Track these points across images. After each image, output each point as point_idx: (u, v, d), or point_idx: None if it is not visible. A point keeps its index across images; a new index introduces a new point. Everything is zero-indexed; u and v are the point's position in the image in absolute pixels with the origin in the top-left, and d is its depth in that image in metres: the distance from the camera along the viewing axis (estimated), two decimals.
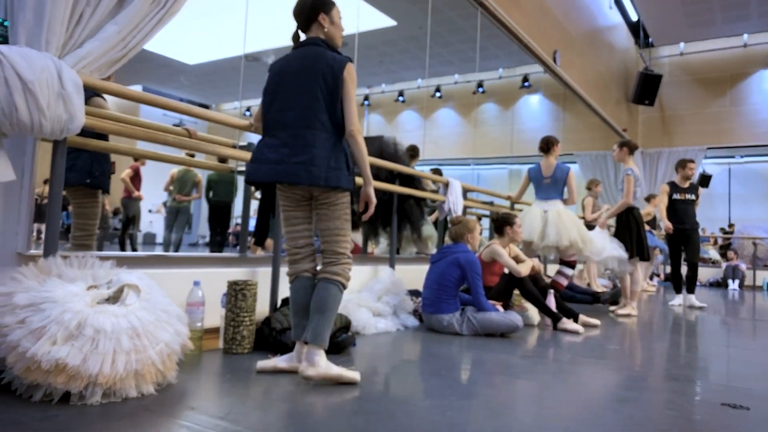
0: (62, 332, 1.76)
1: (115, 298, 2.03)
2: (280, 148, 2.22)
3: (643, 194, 6.48)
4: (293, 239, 2.35)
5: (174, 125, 3.05)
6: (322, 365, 2.16)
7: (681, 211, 6.18)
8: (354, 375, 2.21)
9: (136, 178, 6.95)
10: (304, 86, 2.23)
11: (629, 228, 5.16)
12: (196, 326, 2.48)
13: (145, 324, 1.95)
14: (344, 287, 2.29)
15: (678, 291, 6.41)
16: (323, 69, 2.23)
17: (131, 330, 1.90)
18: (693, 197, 6.21)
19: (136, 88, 3.91)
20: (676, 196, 6.23)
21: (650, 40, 11.99)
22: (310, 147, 2.18)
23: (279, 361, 2.32)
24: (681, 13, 10.54)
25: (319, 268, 2.34)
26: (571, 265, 4.90)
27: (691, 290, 6.28)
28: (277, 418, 1.78)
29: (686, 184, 6.26)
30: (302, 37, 2.37)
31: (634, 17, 11.33)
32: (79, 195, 3.12)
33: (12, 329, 1.75)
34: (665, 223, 6.11)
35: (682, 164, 6.31)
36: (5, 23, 2.04)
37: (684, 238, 6.18)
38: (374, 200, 2.29)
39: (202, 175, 7.11)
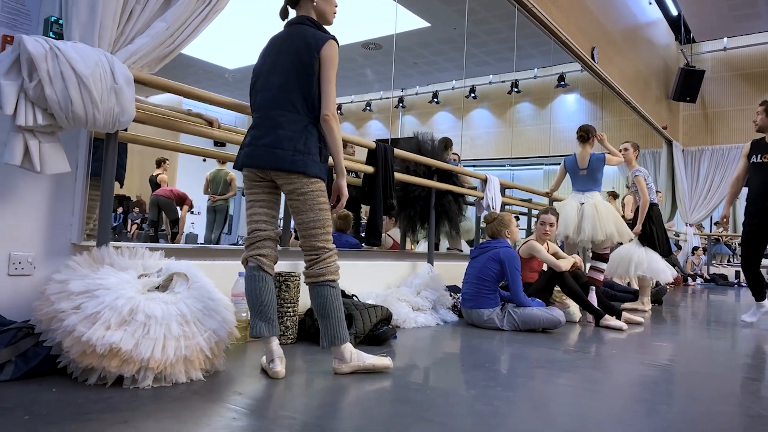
0: (115, 318, 1.81)
1: (164, 287, 2.08)
2: (252, 131, 2.15)
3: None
4: (249, 223, 2.17)
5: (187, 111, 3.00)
6: (353, 358, 2.13)
7: (763, 182, 4.31)
8: (386, 362, 2.18)
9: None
10: (279, 66, 2.11)
11: (651, 226, 5.13)
12: (241, 317, 2.52)
13: (193, 311, 1.99)
14: (335, 282, 2.13)
15: (760, 298, 4.45)
16: (299, 47, 2.09)
17: (180, 317, 1.94)
18: None
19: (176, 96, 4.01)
20: (757, 159, 4.41)
21: (691, 35, 11.66)
22: (277, 129, 2.06)
23: (262, 360, 2.16)
24: (724, 6, 10.22)
25: (303, 267, 2.18)
26: (604, 258, 4.81)
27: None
28: (321, 405, 1.79)
29: None
30: (291, 14, 2.24)
31: (674, 12, 11.04)
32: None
33: (68, 314, 1.81)
34: (725, 210, 4.60)
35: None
36: (60, 21, 2.13)
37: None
38: (346, 193, 2.13)
39: (239, 175, 7.25)
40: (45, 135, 1.95)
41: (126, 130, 2.28)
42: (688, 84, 10.98)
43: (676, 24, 11.44)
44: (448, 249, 5.20)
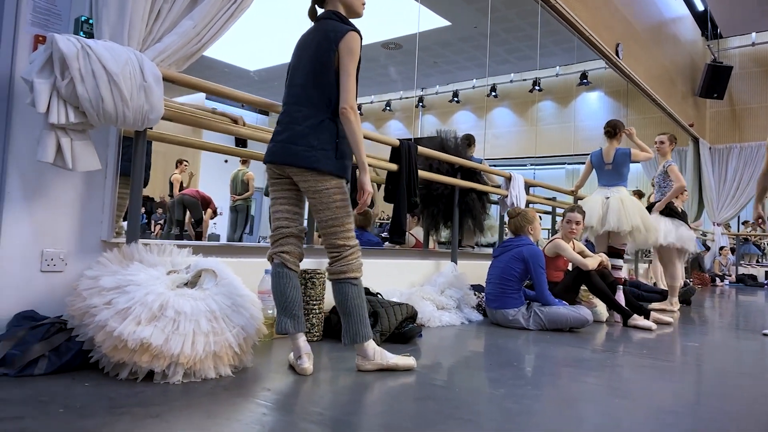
0: (146, 313, 1.83)
1: (193, 283, 2.10)
2: (275, 127, 2.15)
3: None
4: (273, 220, 2.18)
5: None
6: (376, 356, 2.11)
7: None
8: (410, 362, 2.17)
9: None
10: (302, 62, 2.11)
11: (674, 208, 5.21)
12: (267, 314, 2.52)
13: (222, 307, 2.00)
14: (356, 280, 2.10)
15: None
16: (320, 41, 2.06)
17: (209, 313, 1.95)
18: None
19: (199, 96, 4.03)
20: None
21: (718, 30, 11.42)
22: (294, 124, 2.04)
23: (290, 356, 2.17)
24: (752, 0, 9.99)
25: (326, 264, 2.17)
26: (620, 254, 4.73)
27: None
28: (349, 401, 1.78)
29: None
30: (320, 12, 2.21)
31: (700, 7, 10.83)
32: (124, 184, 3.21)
33: (100, 309, 1.83)
34: (758, 210, 3.92)
35: None
36: (90, 21, 2.16)
37: None
38: (370, 189, 2.06)
39: (263, 175, 7.32)
40: (77, 133, 1.97)
41: (152, 128, 2.30)
42: (715, 80, 10.76)
43: (702, 19, 11.22)
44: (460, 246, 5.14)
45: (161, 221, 9.04)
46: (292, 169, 2.05)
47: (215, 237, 8.66)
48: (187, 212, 7.36)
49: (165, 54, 2.19)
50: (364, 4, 2.22)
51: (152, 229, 8.82)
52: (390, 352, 2.17)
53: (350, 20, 2.17)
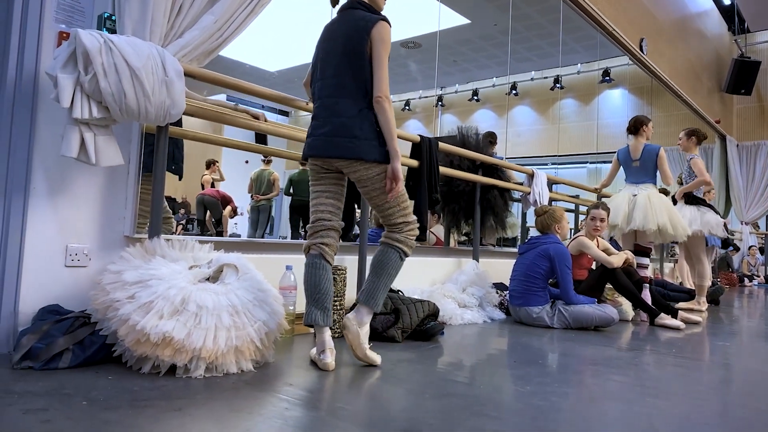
0: (168, 307, 1.82)
1: (214, 278, 2.09)
2: (312, 121, 2.14)
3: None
4: (313, 212, 2.17)
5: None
6: (363, 331, 2.09)
7: None
8: (376, 358, 2.13)
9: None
10: (332, 53, 2.09)
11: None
12: (288, 310, 2.51)
13: (243, 302, 1.99)
14: (405, 255, 2.15)
15: None
16: (349, 31, 2.05)
17: (231, 307, 1.94)
18: None
19: (220, 97, 4.04)
20: None
21: (746, 24, 11.15)
22: (333, 116, 2.05)
23: (312, 351, 2.18)
24: None
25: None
26: (646, 252, 4.62)
27: None
28: (373, 397, 1.75)
29: None
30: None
31: (726, 1, 10.60)
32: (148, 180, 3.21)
33: (123, 303, 1.83)
34: None
35: None
36: (113, 17, 2.16)
37: None
38: (401, 176, 2.04)
39: (284, 175, 7.34)
40: (100, 128, 1.98)
41: (180, 123, 2.29)
42: (742, 76, 10.51)
43: (729, 13, 10.98)
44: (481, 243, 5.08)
45: (183, 221, 9.13)
46: (340, 161, 2.05)
47: (236, 236, 8.75)
48: (208, 212, 7.41)
49: (186, 49, 2.20)
50: None
51: (174, 229, 8.90)
52: (408, 349, 2.14)
53: (375, 9, 2.15)
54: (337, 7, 2.22)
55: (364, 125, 2.02)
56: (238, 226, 8.98)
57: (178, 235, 8.48)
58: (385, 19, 2.06)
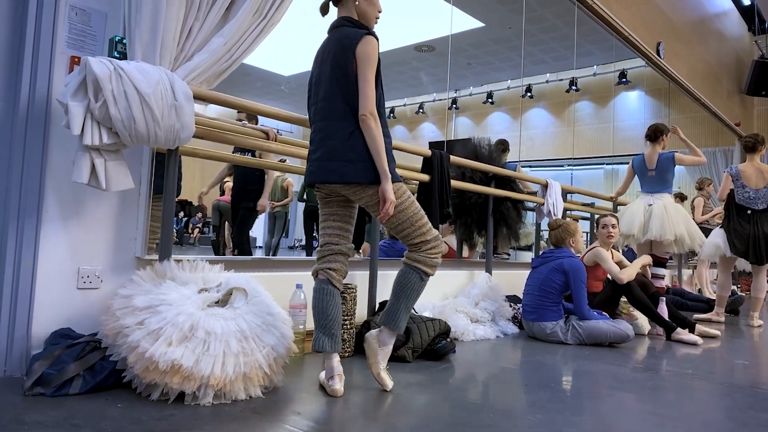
0: (177, 334, 1.83)
1: (224, 301, 2.09)
2: (310, 146, 2.13)
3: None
4: (321, 236, 2.16)
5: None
6: (378, 352, 2.09)
7: None
8: (388, 383, 2.12)
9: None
10: (323, 75, 2.06)
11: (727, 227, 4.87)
12: (298, 329, 2.51)
13: (252, 327, 1.99)
14: (426, 275, 2.07)
15: None
16: (335, 51, 2.01)
17: (239, 333, 1.94)
18: None
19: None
20: None
21: (766, 25, 10.95)
22: (327, 140, 2.01)
23: (321, 375, 2.16)
24: None
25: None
26: (663, 263, 4.54)
27: None
28: (384, 427, 1.74)
29: None
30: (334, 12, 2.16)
31: (746, 1, 10.41)
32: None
33: (132, 330, 1.84)
34: None
35: None
36: (124, 41, 2.18)
37: None
38: (392, 198, 1.95)
39: (298, 180, 7.36)
40: (110, 153, 1.99)
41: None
42: (763, 77, 10.31)
43: (748, 14, 10.78)
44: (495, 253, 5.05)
45: (199, 224, 9.19)
46: (337, 186, 2.03)
47: (252, 240, 8.79)
48: (223, 218, 7.46)
49: (196, 72, 2.20)
50: (377, 18, 2.14)
51: (191, 233, 8.97)
52: (418, 370, 2.12)
53: (364, 26, 2.09)
54: (328, 16, 2.19)
55: (357, 146, 1.97)
56: (253, 230, 9.04)
57: (195, 237, 8.54)
58: (371, 34, 2.00)
